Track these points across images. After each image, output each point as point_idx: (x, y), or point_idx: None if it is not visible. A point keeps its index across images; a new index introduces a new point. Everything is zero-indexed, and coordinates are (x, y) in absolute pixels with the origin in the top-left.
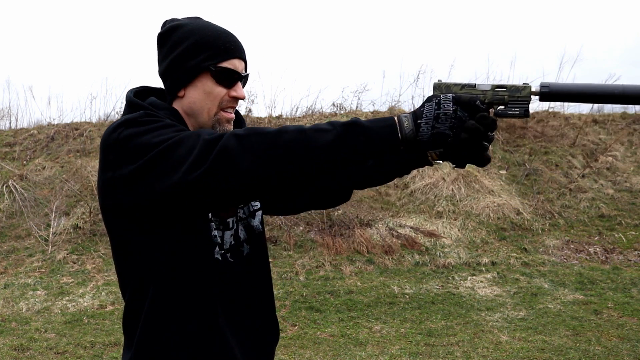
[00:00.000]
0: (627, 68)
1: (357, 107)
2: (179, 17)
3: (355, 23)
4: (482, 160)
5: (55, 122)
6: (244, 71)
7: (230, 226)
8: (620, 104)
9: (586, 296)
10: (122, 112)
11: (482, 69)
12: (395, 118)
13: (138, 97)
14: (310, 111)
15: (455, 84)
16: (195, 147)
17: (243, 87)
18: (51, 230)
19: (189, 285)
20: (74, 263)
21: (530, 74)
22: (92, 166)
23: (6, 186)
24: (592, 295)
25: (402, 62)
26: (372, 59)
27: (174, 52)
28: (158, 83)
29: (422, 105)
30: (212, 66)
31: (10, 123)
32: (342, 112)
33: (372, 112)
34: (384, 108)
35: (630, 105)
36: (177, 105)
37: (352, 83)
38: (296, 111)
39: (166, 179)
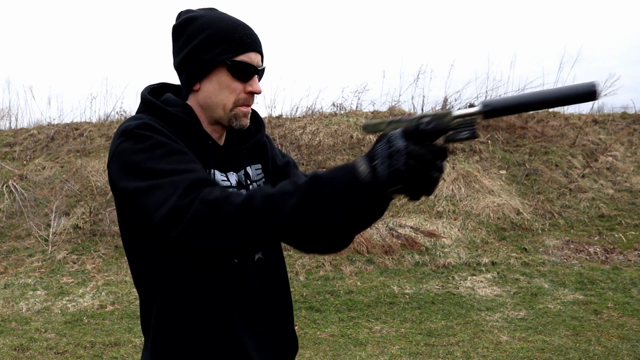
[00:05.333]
0: (628, 67)
1: (357, 107)
2: (194, 8)
3: (355, 23)
4: (431, 191)
5: (55, 122)
6: (260, 64)
7: None
8: (558, 106)
9: (586, 296)
10: (135, 110)
11: (482, 69)
12: (353, 163)
13: (155, 93)
14: (310, 111)
15: (382, 122)
16: (168, 202)
17: (259, 80)
18: (51, 230)
19: (195, 287)
20: (74, 263)
21: (530, 74)
22: (92, 166)
23: (6, 186)
24: (592, 295)
25: (402, 62)
26: (372, 59)
27: (189, 45)
28: (160, 81)
29: (374, 147)
30: (228, 60)
31: (10, 123)
32: (342, 112)
33: (372, 112)
34: (384, 108)
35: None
36: (192, 99)
37: (352, 83)
38: (296, 111)
39: (149, 217)
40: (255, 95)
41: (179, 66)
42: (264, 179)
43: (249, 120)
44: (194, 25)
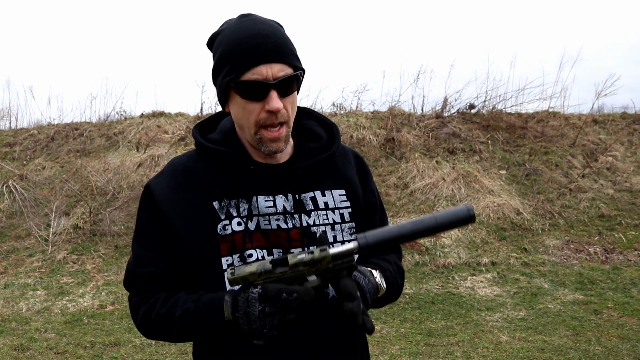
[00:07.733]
0: (628, 67)
1: (357, 107)
2: (234, 16)
3: (355, 23)
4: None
5: (55, 122)
6: (276, 76)
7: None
8: (440, 232)
9: (586, 296)
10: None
11: (482, 69)
12: (222, 303)
13: (217, 119)
14: None
15: (252, 273)
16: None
17: (291, 91)
18: (51, 230)
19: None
20: (74, 263)
21: (530, 74)
22: (92, 166)
23: (6, 186)
24: (592, 295)
25: (402, 62)
26: (372, 59)
27: (212, 66)
28: (160, 85)
29: (238, 294)
30: (232, 82)
31: (10, 123)
32: (342, 112)
33: (372, 112)
34: (384, 108)
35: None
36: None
37: (352, 83)
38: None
39: None
40: (278, 112)
41: None
42: (350, 209)
43: (282, 144)
44: (215, 43)
